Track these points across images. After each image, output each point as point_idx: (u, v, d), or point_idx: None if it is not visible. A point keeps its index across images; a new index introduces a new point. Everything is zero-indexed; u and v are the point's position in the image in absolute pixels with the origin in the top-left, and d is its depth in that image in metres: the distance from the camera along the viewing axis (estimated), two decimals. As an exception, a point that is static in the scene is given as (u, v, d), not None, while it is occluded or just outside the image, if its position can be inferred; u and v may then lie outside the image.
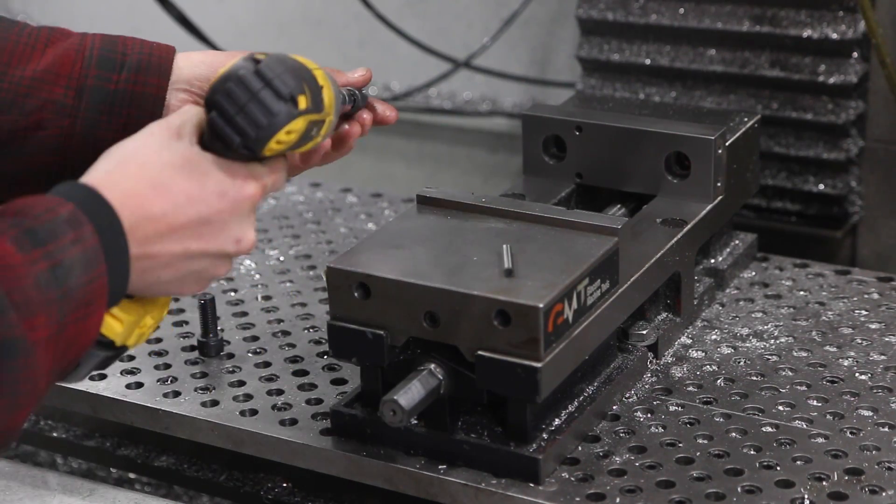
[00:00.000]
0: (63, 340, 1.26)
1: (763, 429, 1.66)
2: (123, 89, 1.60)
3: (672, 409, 1.71)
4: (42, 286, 1.23)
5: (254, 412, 1.74)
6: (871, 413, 1.69)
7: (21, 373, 1.21)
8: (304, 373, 1.82)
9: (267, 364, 1.85)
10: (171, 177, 1.36)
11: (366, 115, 1.67)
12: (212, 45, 2.92)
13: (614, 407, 1.71)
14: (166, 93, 1.61)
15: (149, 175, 1.35)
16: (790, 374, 1.78)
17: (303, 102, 1.41)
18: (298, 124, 1.42)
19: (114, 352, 1.42)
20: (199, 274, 1.41)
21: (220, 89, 1.40)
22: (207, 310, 1.86)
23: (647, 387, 1.76)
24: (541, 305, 1.49)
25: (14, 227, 1.25)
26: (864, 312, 1.93)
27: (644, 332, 1.80)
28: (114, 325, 1.38)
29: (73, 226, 1.28)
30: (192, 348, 1.89)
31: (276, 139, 1.40)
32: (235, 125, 1.39)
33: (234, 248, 1.42)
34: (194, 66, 1.63)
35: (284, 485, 1.78)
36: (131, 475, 1.92)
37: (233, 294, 2.04)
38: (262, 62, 1.41)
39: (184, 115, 1.43)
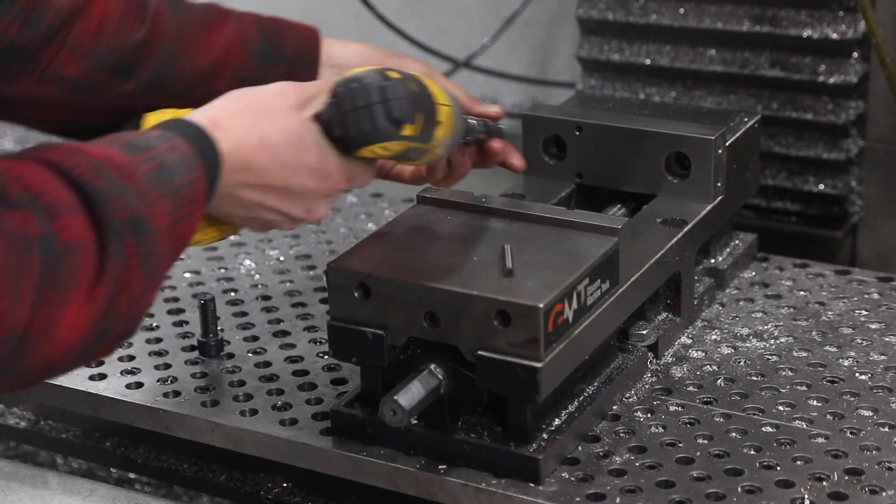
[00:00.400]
0: (177, 233, 1.38)
1: (763, 429, 1.66)
2: (279, 81, 1.68)
3: (672, 409, 1.71)
4: (153, 181, 1.36)
5: (254, 412, 1.74)
6: (871, 413, 1.69)
7: (152, 247, 1.33)
8: (304, 373, 1.82)
9: (267, 364, 1.85)
10: (277, 140, 1.50)
11: (494, 144, 1.78)
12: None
13: (614, 407, 1.71)
14: None
15: (261, 130, 1.49)
16: (790, 374, 1.78)
17: (407, 130, 1.53)
18: (395, 146, 1.54)
19: None
20: (266, 222, 1.57)
21: (346, 85, 1.53)
22: (207, 310, 1.86)
23: (647, 387, 1.76)
24: (541, 305, 1.49)
25: (114, 142, 1.38)
26: (864, 312, 1.93)
27: (644, 332, 1.80)
28: None
29: (168, 139, 1.42)
30: (192, 348, 1.89)
31: (370, 149, 1.53)
32: (342, 120, 1.52)
33: (303, 215, 1.57)
34: (350, 55, 1.79)
35: (284, 485, 1.78)
36: (131, 475, 1.92)
37: (233, 294, 2.04)
38: (392, 81, 1.52)
39: (318, 87, 1.56)
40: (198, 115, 1.48)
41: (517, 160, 1.82)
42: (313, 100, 1.54)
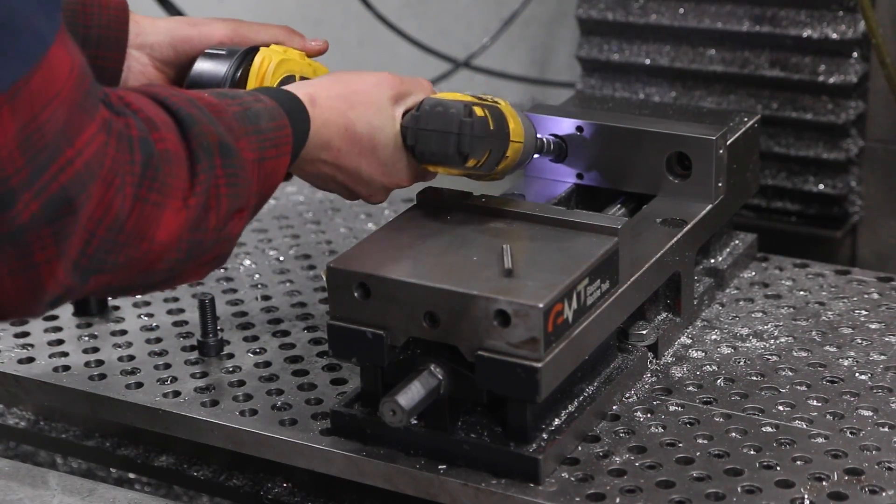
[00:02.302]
0: (264, 170, 1.49)
1: (763, 429, 1.66)
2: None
3: (672, 409, 1.71)
4: (239, 120, 1.47)
5: (254, 412, 1.74)
6: (871, 413, 1.69)
7: (238, 171, 1.44)
8: (304, 373, 1.82)
9: (267, 364, 1.85)
10: (361, 131, 1.61)
11: None
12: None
13: (614, 407, 1.71)
14: (123, 65, 1.75)
15: (350, 118, 1.60)
16: (790, 374, 1.78)
17: (471, 163, 1.63)
18: (456, 172, 1.67)
19: None
20: (333, 189, 1.68)
21: (432, 107, 1.62)
22: (207, 310, 1.86)
23: (647, 387, 1.76)
24: (541, 305, 1.49)
25: (206, 89, 1.52)
26: (864, 312, 1.93)
27: (644, 332, 1.80)
28: None
29: (254, 95, 1.52)
30: (192, 348, 1.89)
31: (431, 166, 1.65)
32: (416, 135, 1.62)
33: (365, 196, 1.68)
34: (158, 33, 1.78)
35: (284, 485, 1.78)
36: (131, 475, 1.92)
37: (233, 294, 2.04)
38: (474, 118, 1.61)
39: (414, 86, 1.67)
40: (300, 89, 1.58)
41: None
42: (408, 96, 1.65)
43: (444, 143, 1.61)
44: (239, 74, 1.70)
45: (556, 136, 1.93)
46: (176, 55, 1.77)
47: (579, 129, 1.96)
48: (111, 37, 1.74)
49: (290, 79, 1.73)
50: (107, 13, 1.75)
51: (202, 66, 1.72)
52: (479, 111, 1.62)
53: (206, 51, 1.73)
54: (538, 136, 1.83)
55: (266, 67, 1.71)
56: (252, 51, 1.72)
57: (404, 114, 1.65)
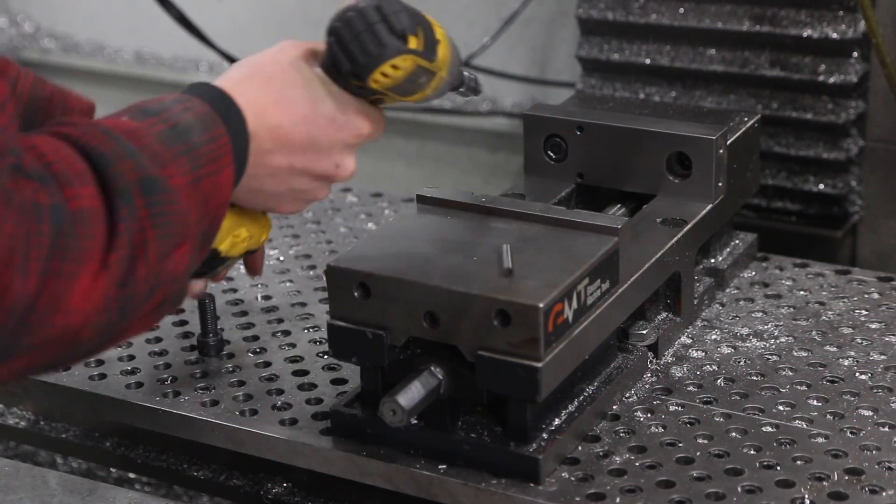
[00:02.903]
0: (201, 192, 1.37)
1: (763, 429, 1.66)
2: None
3: (672, 409, 1.71)
4: (165, 141, 1.35)
5: (254, 412, 1.74)
6: (871, 413, 1.69)
7: (165, 207, 1.31)
8: (304, 373, 1.82)
9: (267, 364, 1.85)
10: (291, 95, 1.51)
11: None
12: (211, 45, 2.92)
13: (614, 407, 1.71)
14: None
15: (273, 89, 1.50)
16: (790, 373, 1.78)
17: (413, 42, 1.52)
18: (406, 62, 1.53)
19: (210, 254, 1.53)
20: (299, 193, 1.56)
21: (341, 17, 1.53)
22: (207, 310, 1.86)
23: (647, 387, 1.76)
24: (541, 305, 1.49)
25: (128, 111, 1.39)
26: (864, 312, 1.93)
27: (644, 331, 1.80)
28: None
29: (182, 101, 1.41)
30: (192, 348, 1.89)
31: (381, 70, 1.52)
32: (348, 51, 1.52)
33: (334, 171, 1.56)
34: None
35: (284, 485, 1.78)
36: (131, 475, 1.92)
37: (233, 294, 2.04)
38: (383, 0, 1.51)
39: (313, 42, 1.57)
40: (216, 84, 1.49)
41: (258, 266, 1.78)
42: (315, 50, 1.56)
43: (376, 35, 1.50)
44: None
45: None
46: None
47: (579, 128, 1.96)
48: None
49: None
50: (70, 113, 1.64)
51: None
52: None
53: None
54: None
55: None
56: None
57: (322, 63, 1.55)
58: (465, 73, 1.70)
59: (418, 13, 1.55)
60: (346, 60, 1.52)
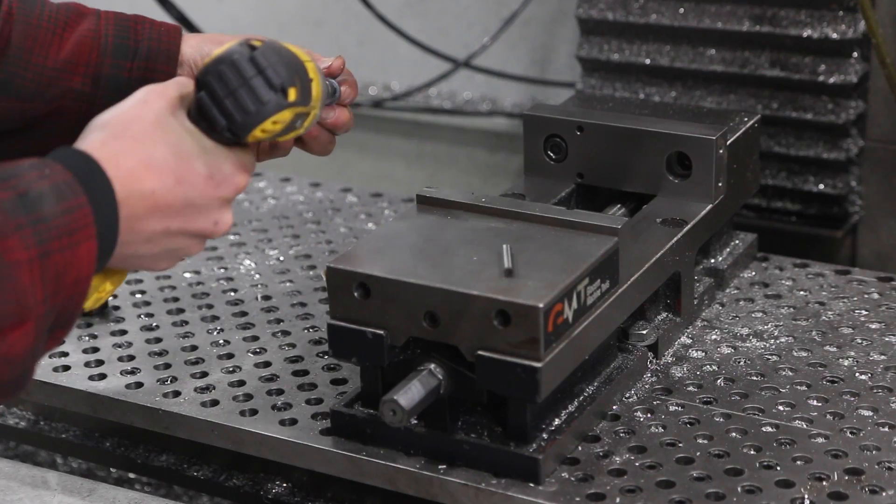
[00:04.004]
0: (51, 267, 1.25)
1: (763, 429, 1.66)
2: (137, 77, 1.67)
3: (672, 409, 1.71)
4: (8, 211, 1.23)
5: (254, 412, 1.74)
6: (871, 413, 1.69)
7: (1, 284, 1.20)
8: (304, 373, 1.82)
9: (267, 364, 1.85)
10: (163, 156, 1.38)
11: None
12: (212, 45, 2.91)
13: (614, 407, 1.71)
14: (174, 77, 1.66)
15: (143, 151, 1.37)
16: (790, 374, 1.78)
17: (292, 94, 1.42)
18: (285, 115, 1.43)
19: None
20: (175, 251, 1.45)
21: (213, 70, 1.41)
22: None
23: (647, 387, 1.76)
24: (541, 305, 1.49)
25: None
26: (864, 312, 1.93)
27: (644, 332, 1.80)
28: None
29: (40, 166, 1.29)
30: (193, 348, 1.89)
31: (261, 127, 1.42)
32: (223, 108, 1.41)
33: (211, 229, 1.45)
34: (190, 47, 1.71)
35: (284, 485, 1.78)
36: (131, 475, 1.92)
37: (233, 294, 2.04)
38: (257, 49, 1.42)
39: (179, 86, 1.45)
40: (81, 148, 1.36)
41: (346, 119, 1.73)
42: (181, 100, 1.44)
43: (254, 92, 1.40)
44: None
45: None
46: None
47: (579, 129, 1.96)
48: (161, 49, 1.70)
49: None
50: (157, 28, 1.72)
51: None
52: (257, 42, 1.43)
53: None
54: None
55: None
56: None
57: (188, 113, 1.44)
58: (331, 82, 1.66)
59: (292, 58, 1.45)
60: (221, 117, 1.41)
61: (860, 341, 1.85)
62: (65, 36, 1.67)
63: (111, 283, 1.47)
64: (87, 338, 1.93)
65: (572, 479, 1.57)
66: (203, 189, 1.42)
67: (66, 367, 1.85)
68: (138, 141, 1.38)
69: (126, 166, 1.36)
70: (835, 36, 2.26)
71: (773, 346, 1.85)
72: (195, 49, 1.72)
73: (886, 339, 1.86)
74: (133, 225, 1.37)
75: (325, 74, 1.62)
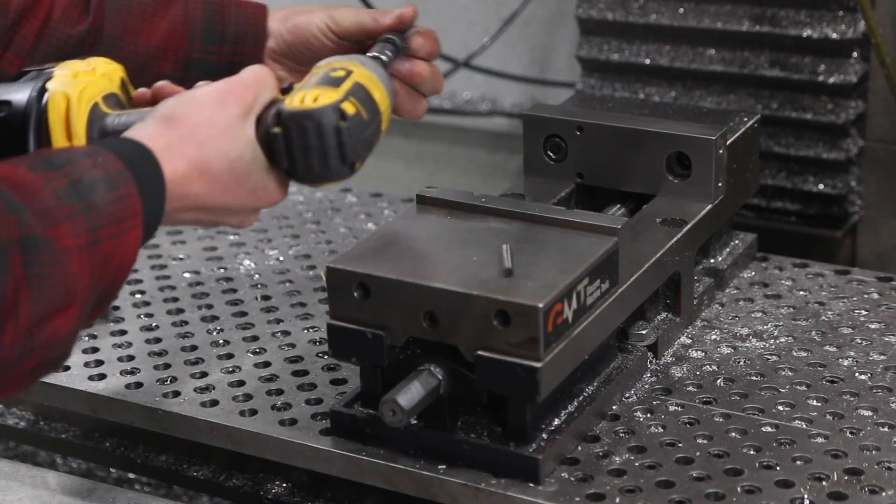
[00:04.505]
0: (98, 254, 1.29)
1: (763, 429, 1.66)
2: (226, 61, 1.72)
3: (672, 409, 1.71)
4: (62, 198, 1.27)
5: (254, 412, 1.74)
6: (871, 413, 1.69)
7: (47, 268, 1.23)
8: (304, 373, 1.82)
9: (267, 364, 1.85)
10: (219, 168, 1.44)
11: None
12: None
13: (614, 407, 1.71)
14: (263, 59, 1.74)
15: (202, 159, 1.42)
16: (790, 374, 1.78)
17: (358, 167, 1.49)
18: (342, 181, 1.51)
19: None
20: (193, 224, 1.52)
21: (298, 120, 1.45)
22: None
23: (646, 387, 1.76)
24: (541, 305, 1.49)
25: (28, 159, 1.31)
26: (863, 312, 1.93)
27: (644, 332, 1.80)
28: None
29: (94, 155, 1.33)
30: (193, 348, 1.89)
31: (317, 185, 1.51)
32: (291, 155, 1.46)
33: (235, 226, 1.54)
34: (281, 20, 1.77)
35: (284, 485, 1.78)
36: (131, 475, 1.92)
37: (233, 294, 2.04)
38: (348, 121, 1.46)
39: (257, 87, 1.48)
40: (142, 140, 1.40)
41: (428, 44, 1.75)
42: (254, 104, 1.47)
43: (326, 159, 1.45)
44: (41, 120, 1.48)
45: (386, 38, 1.71)
46: (287, 46, 1.77)
47: (579, 129, 1.96)
48: (249, 32, 1.75)
49: (97, 108, 1.51)
50: (244, 11, 1.77)
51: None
52: (349, 108, 1.47)
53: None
54: (380, 56, 1.66)
55: (68, 115, 1.48)
56: (43, 90, 1.49)
57: (258, 121, 1.47)
58: (384, 58, 1.68)
59: (375, 121, 1.50)
60: (286, 160, 1.46)
61: (860, 341, 1.85)
62: (154, 21, 1.72)
63: None
64: (86, 338, 1.93)
65: (572, 479, 1.57)
66: (244, 200, 1.48)
67: (66, 367, 1.85)
68: (201, 147, 1.42)
69: (182, 170, 1.41)
70: (834, 36, 2.26)
71: (773, 346, 1.85)
72: (281, 22, 1.77)
73: (886, 339, 1.86)
74: (171, 215, 1.43)
75: (383, 30, 1.70)
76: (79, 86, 1.50)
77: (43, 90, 1.49)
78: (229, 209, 1.48)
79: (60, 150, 1.35)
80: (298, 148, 1.45)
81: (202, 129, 1.43)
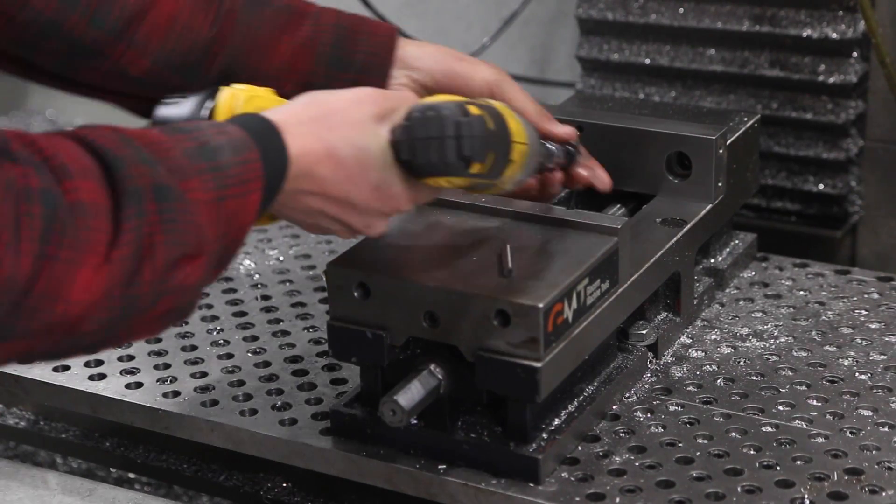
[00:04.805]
0: (224, 211, 1.35)
1: (763, 429, 1.66)
2: (347, 87, 1.67)
3: (672, 409, 1.71)
4: (191, 157, 1.34)
5: (254, 412, 1.74)
6: (871, 413, 1.69)
7: (179, 215, 1.30)
8: (304, 373, 1.82)
9: (267, 364, 1.85)
10: (346, 154, 1.46)
11: (578, 170, 1.80)
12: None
13: (614, 407, 1.71)
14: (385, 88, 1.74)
15: (330, 142, 1.46)
16: (790, 373, 1.78)
17: (475, 168, 1.49)
18: (460, 181, 1.51)
19: None
20: (325, 229, 1.54)
21: (423, 113, 1.49)
22: None
23: (646, 387, 1.76)
24: (541, 305, 1.49)
25: (159, 127, 1.39)
26: (864, 312, 1.93)
27: (644, 331, 1.80)
28: None
29: (219, 126, 1.40)
30: (193, 348, 1.89)
31: (434, 179, 1.50)
32: (411, 146, 1.48)
33: (362, 228, 1.53)
34: (424, 59, 1.77)
35: (284, 485, 1.78)
36: (131, 475, 1.92)
37: (233, 294, 2.04)
38: (470, 117, 1.48)
39: (398, 101, 1.52)
40: (271, 115, 1.46)
41: (601, 182, 1.81)
42: (392, 114, 1.50)
43: (443, 149, 1.47)
44: (207, 115, 1.57)
45: (563, 144, 1.79)
46: (435, 85, 1.76)
47: (579, 128, 1.95)
48: (375, 63, 1.75)
49: None
50: (374, 40, 1.75)
51: (164, 112, 1.58)
52: (474, 110, 1.50)
53: (163, 100, 1.60)
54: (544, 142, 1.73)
55: (234, 103, 1.56)
56: (214, 90, 1.59)
57: (392, 130, 1.51)
58: (552, 149, 1.73)
59: (501, 134, 1.52)
60: (406, 152, 1.49)
61: (860, 341, 1.85)
62: (283, 39, 1.71)
63: (267, 219, 1.55)
64: (86, 338, 1.93)
65: (572, 479, 1.57)
66: (366, 197, 1.49)
67: (66, 367, 1.85)
68: (331, 131, 1.46)
69: (310, 146, 1.44)
70: (835, 36, 2.26)
71: (773, 346, 1.85)
72: (435, 61, 1.76)
73: (886, 338, 1.86)
74: (297, 197, 1.46)
75: (543, 135, 1.72)
76: (249, 91, 1.58)
77: (212, 96, 1.57)
78: (354, 204, 1.49)
79: (188, 122, 1.44)
80: (420, 138, 1.48)
81: (335, 115, 1.48)
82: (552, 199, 1.83)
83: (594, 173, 1.80)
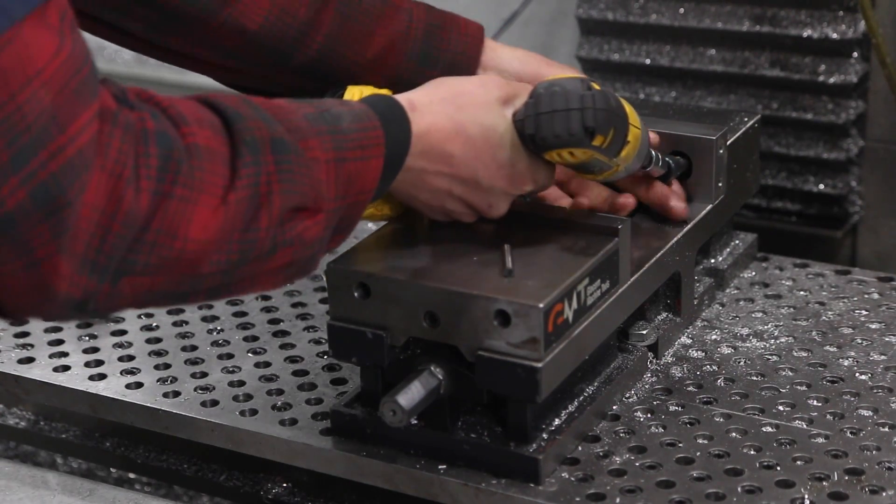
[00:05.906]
0: (344, 172, 1.39)
1: (763, 429, 1.66)
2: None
3: (672, 409, 1.71)
4: (311, 120, 1.39)
5: (254, 412, 1.74)
6: (871, 413, 1.69)
7: (296, 167, 1.34)
8: (304, 373, 1.82)
9: (267, 364, 1.85)
10: (474, 132, 1.52)
11: (664, 189, 1.84)
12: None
13: (614, 407, 1.71)
14: None
15: (458, 120, 1.51)
16: (790, 374, 1.78)
17: (598, 141, 1.54)
18: (582, 153, 1.56)
19: None
20: (449, 212, 1.59)
21: (547, 88, 1.55)
22: None
23: (647, 387, 1.76)
24: (541, 305, 1.49)
25: (284, 98, 1.43)
26: (864, 312, 1.93)
27: (644, 332, 1.80)
28: None
29: (343, 102, 1.45)
30: (193, 348, 1.89)
31: (557, 152, 1.55)
32: (538, 120, 1.54)
33: (485, 209, 1.59)
34: (512, 61, 1.78)
35: (284, 485, 1.78)
36: (131, 475, 1.92)
37: (233, 294, 2.04)
38: (593, 91, 1.55)
39: (520, 87, 1.58)
40: (400, 97, 1.50)
41: (677, 209, 1.83)
42: (515, 98, 1.56)
43: (566, 121, 1.52)
44: None
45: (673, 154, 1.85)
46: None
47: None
48: (462, 62, 1.75)
49: None
50: (464, 39, 1.76)
51: None
52: (596, 86, 1.56)
53: None
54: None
55: (358, 96, 1.59)
56: (340, 90, 1.64)
57: (514, 115, 1.57)
58: (656, 155, 1.75)
59: (620, 113, 1.57)
60: (532, 126, 1.54)
61: (860, 341, 1.85)
62: (377, 32, 1.71)
63: (390, 209, 1.62)
64: (86, 338, 1.93)
65: (572, 479, 1.57)
66: (493, 175, 1.54)
67: (66, 367, 1.85)
68: (460, 110, 1.52)
69: (440, 124, 1.50)
70: (835, 36, 2.26)
71: (773, 346, 1.85)
72: (522, 64, 1.78)
73: (886, 339, 1.86)
74: (424, 176, 1.51)
75: (652, 146, 1.75)
76: (373, 91, 1.60)
77: (337, 95, 1.61)
78: (480, 184, 1.54)
79: (314, 99, 1.46)
80: (543, 111, 1.53)
81: (463, 96, 1.53)
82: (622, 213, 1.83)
83: (677, 198, 1.83)
